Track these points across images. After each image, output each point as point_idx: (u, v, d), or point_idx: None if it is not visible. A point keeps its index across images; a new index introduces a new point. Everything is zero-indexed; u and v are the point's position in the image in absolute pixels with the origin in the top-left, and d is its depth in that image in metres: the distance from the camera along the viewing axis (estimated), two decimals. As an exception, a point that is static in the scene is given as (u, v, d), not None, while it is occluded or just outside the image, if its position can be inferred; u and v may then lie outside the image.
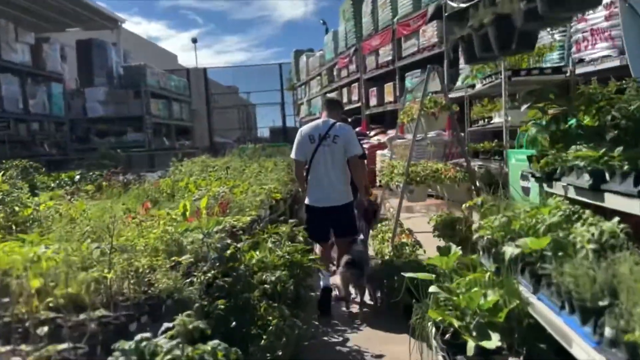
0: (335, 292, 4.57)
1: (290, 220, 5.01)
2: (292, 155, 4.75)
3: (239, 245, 3.22)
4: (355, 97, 20.12)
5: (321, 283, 4.41)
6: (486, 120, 5.47)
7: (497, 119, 4.89)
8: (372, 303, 4.39)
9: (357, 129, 18.98)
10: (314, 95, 26.38)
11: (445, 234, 5.60)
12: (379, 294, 4.36)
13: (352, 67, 20.12)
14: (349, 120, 19.72)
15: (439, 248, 3.11)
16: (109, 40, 20.28)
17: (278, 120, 36.85)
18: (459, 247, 5.00)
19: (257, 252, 3.41)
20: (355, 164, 4.60)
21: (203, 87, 32.69)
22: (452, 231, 5.48)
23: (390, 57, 16.72)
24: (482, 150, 5.56)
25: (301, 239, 4.58)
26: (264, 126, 43.29)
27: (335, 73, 22.66)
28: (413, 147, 4.74)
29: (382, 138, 16.54)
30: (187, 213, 4.10)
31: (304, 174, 4.73)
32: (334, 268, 5.12)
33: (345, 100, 21.32)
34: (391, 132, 17.32)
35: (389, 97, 17.13)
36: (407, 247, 4.37)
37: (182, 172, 8.58)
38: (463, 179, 4.30)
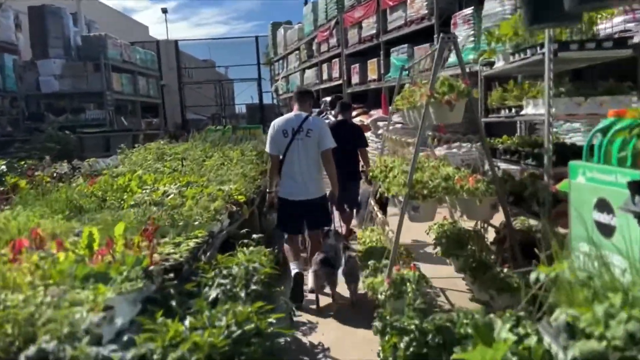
0: (307, 286, 4.51)
1: (255, 236, 3.91)
2: (267, 149, 4.74)
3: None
4: (335, 74, 18.75)
5: (292, 272, 4.41)
6: (512, 110, 4.21)
7: (531, 110, 3.66)
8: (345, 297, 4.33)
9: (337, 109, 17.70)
10: (292, 71, 24.88)
11: (451, 252, 4.43)
12: (354, 289, 4.28)
13: (333, 41, 18.67)
14: (330, 99, 18.24)
15: (475, 326, 1.90)
16: (66, 8, 18.39)
17: (257, 97, 35.28)
18: (473, 278, 3.88)
19: (186, 323, 2.14)
20: (327, 158, 4.59)
21: (174, 60, 30.84)
22: (460, 249, 4.31)
23: (374, 31, 15.35)
24: (504, 149, 4.32)
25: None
26: (243, 102, 41.67)
27: (314, 47, 21.18)
28: (418, 149, 3.52)
29: (365, 119, 15.31)
30: (95, 245, 2.81)
31: (278, 167, 4.68)
32: (304, 255, 5.03)
33: (325, 77, 19.94)
34: (375, 113, 16.07)
35: (372, 75, 15.82)
36: (409, 284, 3.17)
37: (133, 161, 7.22)
38: (486, 191, 3.11)
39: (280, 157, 4.61)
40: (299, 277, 4.36)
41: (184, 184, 5.47)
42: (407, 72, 6.04)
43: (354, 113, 17.22)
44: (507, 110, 4.25)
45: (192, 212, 4.06)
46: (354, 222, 6.56)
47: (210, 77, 39.23)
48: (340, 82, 18.29)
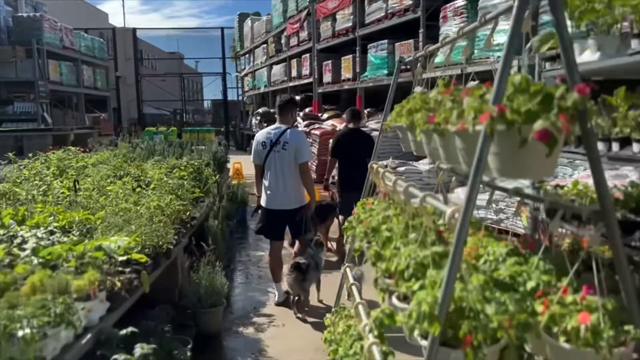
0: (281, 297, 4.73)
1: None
2: (251, 159, 4.92)
3: None
4: (306, 71, 16.85)
5: (275, 299, 4.76)
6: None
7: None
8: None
9: (308, 110, 15.88)
10: (259, 66, 22.85)
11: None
12: None
13: (304, 34, 16.77)
14: (298, 98, 16.41)
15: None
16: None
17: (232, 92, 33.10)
18: None
19: None
20: (303, 171, 4.74)
21: (132, 50, 28.37)
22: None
23: (349, 24, 13.53)
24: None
25: None
26: (212, 98, 39.28)
27: (283, 41, 19.24)
28: (462, 238, 1.65)
29: (338, 124, 13.50)
30: None
31: (261, 175, 4.87)
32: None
33: (294, 74, 18.04)
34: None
35: (346, 73, 13.98)
36: None
37: (14, 179, 5.16)
38: (617, 334, 1.32)
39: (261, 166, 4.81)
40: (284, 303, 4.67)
41: (62, 225, 3.54)
42: (404, 65, 4.12)
43: (325, 116, 15.39)
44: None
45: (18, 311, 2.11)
46: None
47: (178, 71, 36.71)
48: (310, 80, 16.41)
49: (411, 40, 11.00)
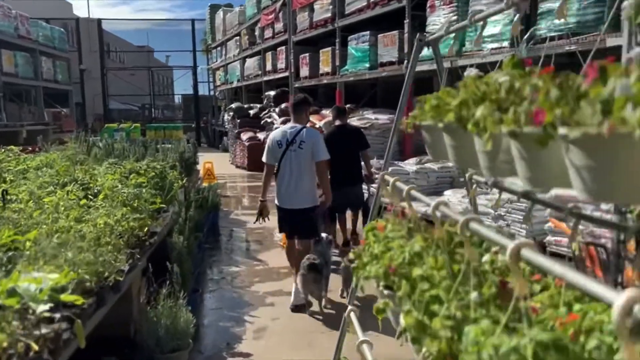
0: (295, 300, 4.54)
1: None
2: (263, 159, 4.86)
3: None
4: (281, 65, 16.02)
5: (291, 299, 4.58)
6: None
7: None
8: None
9: (284, 106, 15.06)
10: (232, 60, 21.88)
11: None
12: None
13: (279, 26, 15.92)
14: (273, 93, 15.52)
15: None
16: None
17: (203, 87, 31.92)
18: None
19: None
20: (321, 170, 4.77)
21: (97, 42, 26.99)
22: None
23: (328, 14, 12.76)
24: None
25: None
26: (183, 92, 37.98)
27: (257, 33, 18.35)
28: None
29: (317, 121, 12.73)
30: None
31: (271, 178, 4.85)
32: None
33: (269, 67, 17.17)
34: (328, 113, 13.53)
35: (325, 67, 13.22)
36: None
37: None
38: None
39: (276, 166, 4.77)
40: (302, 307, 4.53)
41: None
42: (425, 45, 3.32)
43: (302, 112, 14.61)
44: None
45: None
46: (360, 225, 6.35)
47: (143, 64, 35.31)
48: (286, 74, 15.58)
49: (395, 32, 10.31)
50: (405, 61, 9.83)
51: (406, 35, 9.86)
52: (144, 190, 4.27)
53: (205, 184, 9.15)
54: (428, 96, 2.08)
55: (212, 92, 27.65)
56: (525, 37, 7.40)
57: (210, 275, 5.43)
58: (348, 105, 13.30)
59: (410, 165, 9.09)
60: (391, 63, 10.43)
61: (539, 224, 5.52)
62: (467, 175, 2.42)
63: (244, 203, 10.21)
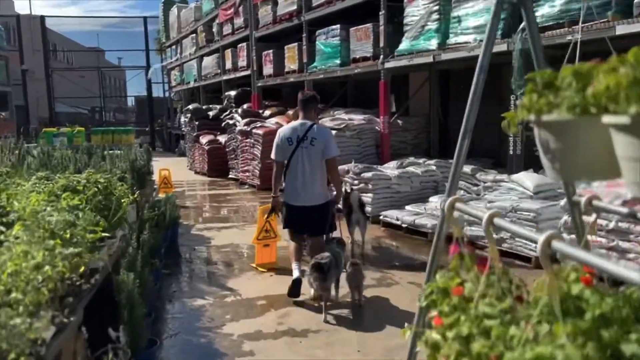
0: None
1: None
2: (272, 157, 4.83)
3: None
4: (242, 63, 14.98)
5: (293, 273, 4.65)
6: None
7: None
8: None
9: (246, 106, 14.03)
10: (188, 59, 20.63)
11: None
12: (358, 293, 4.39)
13: (239, 21, 14.89)
14: (234, 93, 14.50)
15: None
16: None
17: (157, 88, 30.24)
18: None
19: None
20: (333, 166, 4.76)
21: (40, 40, 25.11)
22: None
23: (294, 7, 11.84)
24: None
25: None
26: (137, 94, 36.18)
27: (215, 29, 17.23)
28: None
29: (283, 122, 11.81)
30: None
31: (282, 175, 4.79)
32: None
33: (228, 66, 16.11)
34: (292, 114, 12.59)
35: (291, 64, 12.29)
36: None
37: None
38: None
39: (285, 163, 4.70)
40: (297, 282, 4.58)
41: None
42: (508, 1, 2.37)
43: (267, 113, 13.62)
44: None
45: None
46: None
47: (93, 64, 33.39)
48: (248, 72, 14.56)
49: (369, 25, 9.51)
50: (382, 56, 9.04)
51: (382, 27, 9.06)
52: (81, 214, 3.23)
53: (161, 195, 8.08)
54: (565, 69, 1.20)
55: (167, 94, 26.19)
56: (520, 27, 6.75)
57: (171, 312, 4.41)
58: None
59: (390, 169, 8.29)
60: (365, 59, 9.62)
61: None
62: (582, 200, 1.56)
63: (206, 214, 9.14)
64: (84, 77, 32.41)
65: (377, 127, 9.62)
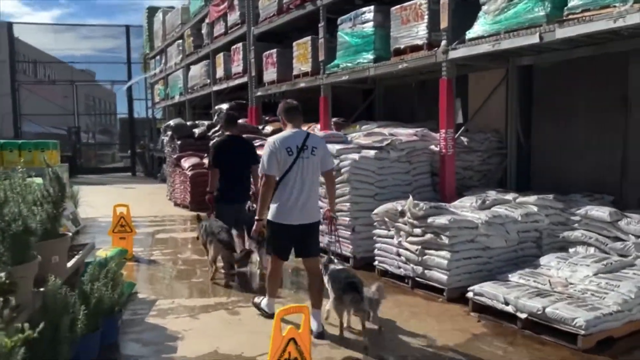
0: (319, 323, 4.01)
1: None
2: (266, 171, 4.11)
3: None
4: (237, 68, 12.03)
5: (265, 309, 4.36)
6: None
7: None
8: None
9: (242, 121, 11.07)
10: (173, 70, 17.71)
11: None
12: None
13: (234, 16, 12.00)
14: (226, 106, 12.04)
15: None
16: None
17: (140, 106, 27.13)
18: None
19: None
20: (331, 179, 4.43)
21: (6, 51, 22.13)
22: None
23: (306, -9, 8.96)
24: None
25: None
26: (123, 114, 32.76)
27: (205, 31, 14.34)
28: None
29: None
30: None
31: (272, 192, 4.14)
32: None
33: (220, 74, 13.19)
34: (313, 129, 9.60)
35: (302, 65, 9.34)
36: None
37: None
38: None
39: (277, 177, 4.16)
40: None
41: None
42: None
43: (268, 128, 10.61)
44: None
45: None
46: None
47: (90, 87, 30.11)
48: (244, 79, 11.60)
49: (415, 1, 6.61)
50: (443, 42, 6.12)
51: (446, 3, 6.14)
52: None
53: (108, 252, 5.01)
54: None
55: (150, 110, 23.14)
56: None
57: None
58: (335, 119, 9.48)
59: (471, 210, 5.25)
60: (416, 48, 6.68)
61: None
62: None
63: (178, 280, 5.97)
64: (67, 97, 29.38)
65: (432, 147, 6.61)
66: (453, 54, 6.13)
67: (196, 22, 15.00)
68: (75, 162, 24.19)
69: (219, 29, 13.02)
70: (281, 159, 4.04)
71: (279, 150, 4.04)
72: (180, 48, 16.56)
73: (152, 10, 20.76)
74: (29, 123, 23.92)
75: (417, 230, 5.10)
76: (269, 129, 10.16)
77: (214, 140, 6.57)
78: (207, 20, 13.84)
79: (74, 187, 8.91)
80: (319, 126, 8.98)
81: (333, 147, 6.39)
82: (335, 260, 4.34)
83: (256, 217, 4.24)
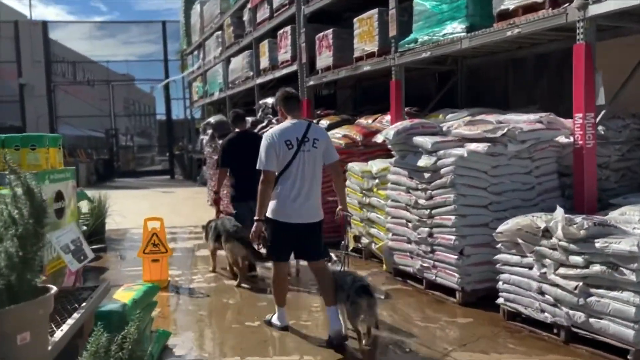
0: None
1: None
2: (265, 167, 3.84)
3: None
4: (284, 56, 10.55)
5: (277, 323, 4.06)
6: None
7: None
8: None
9: (275, 119, 9.61)
10: (212, 64, 16.45)
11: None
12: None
13: (281, -4, 10.53)
14: (272, 100, 10.78)
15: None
16: None
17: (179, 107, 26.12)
18: None
19: None
20: (337, 172, 4.16)
21: (41, 51, 21.44)
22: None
23: (371, -45, 7.37)
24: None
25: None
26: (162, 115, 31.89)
27: (246, 18, 12.95)
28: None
29: (359, 133, 7.34)
30: None
31: (271, 189, 3.87)
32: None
33: (264, 64, 11.76)
34: (383, 120, 7.99)
35: (366, 44, 7.76)
36: None
37: None
38: None
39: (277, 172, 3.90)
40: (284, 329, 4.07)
41: None
42: None
43: (323, 123, 9.12)
44: None
45: None
46: None
47: (110, 87, 29.35)
48: (293, 67, 10.12)
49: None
50: (579, -5, 4.47)
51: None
52: None
53: (133, 292, 3.62)
54: None
55: (188, 110, 22.03)
56: None
57: None
58: (407, 109, 7.89)
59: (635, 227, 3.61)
60: (529, 8, 5.04)
61: None
62: None
63: (232, 319, 4.48)
64: (104, 100, 28.81)
65: (560, 138, 4.93)
66: (594, 9, 4.44)
67: (237, 10, 13.63)
68: (112, 165, 23.44)
69: (263, 13, 11.59)
70: (280, 153, 3.83)
71: (278, 144, 3.84)
72: (220, 40, 15.25)
73: (189, 3, 19.59)
74: (66, 125, 23.24)
75: (577, 259, 3.46)
76: (323, 123, 8.65)
77: (222, 140, 6.46)
78: (249, 6, 12.44)
79: (94, 196, 7.57)
80: (388, 117, 7.41)
81: (427, 141, 4.80)
82: (340, 261, 4.19)
83: (255, 217, 3.90)
